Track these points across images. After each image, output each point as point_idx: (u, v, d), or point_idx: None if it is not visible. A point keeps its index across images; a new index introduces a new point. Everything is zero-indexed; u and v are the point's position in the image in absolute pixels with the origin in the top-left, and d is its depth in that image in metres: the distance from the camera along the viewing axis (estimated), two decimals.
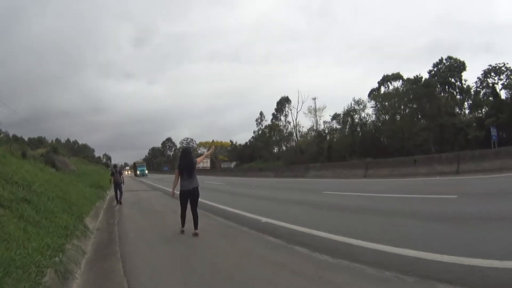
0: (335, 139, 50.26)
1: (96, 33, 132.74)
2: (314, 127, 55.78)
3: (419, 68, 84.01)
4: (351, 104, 48.67)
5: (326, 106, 54.18)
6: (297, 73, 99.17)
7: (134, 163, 75.93)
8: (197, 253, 5.04)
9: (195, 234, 5.97)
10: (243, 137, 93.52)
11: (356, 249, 4.47)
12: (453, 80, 42.26)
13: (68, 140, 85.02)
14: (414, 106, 43.61)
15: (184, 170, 5.95)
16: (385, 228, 5.52)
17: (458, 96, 43.16)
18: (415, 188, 10.72)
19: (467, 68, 41.71)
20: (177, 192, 6.30)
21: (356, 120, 49.06)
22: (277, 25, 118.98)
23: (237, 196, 13.69)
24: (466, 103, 43.05)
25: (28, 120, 73.52)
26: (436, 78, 42.22)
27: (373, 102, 48.00)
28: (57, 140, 75.54)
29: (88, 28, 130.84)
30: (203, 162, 58.11)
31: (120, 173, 14.13)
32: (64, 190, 10.15)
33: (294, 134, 59.06)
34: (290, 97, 62.84)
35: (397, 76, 47.44)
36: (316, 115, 54.28)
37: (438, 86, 42.75)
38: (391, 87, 48.39)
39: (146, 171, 66.28)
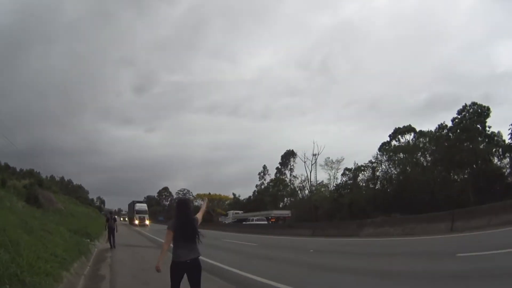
0: (348, 194, 46.50)
1: (97, 76, 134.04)
2: (325, 182, 52.49)
3: (420, 123, 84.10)
4: (377, 155, 46.15)
5: (344, 158, 50.70)
6: (296, 128, 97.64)
7: (133, 202, 51.60)
8: None
9: None
10: (239, 191, 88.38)
11: None
12: (478, 126, 40.36)
13: (62, 178, 79.46)
14: (436, 155, 40.96)
15: (181, 232, 3.89)
16: None
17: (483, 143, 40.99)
18: None
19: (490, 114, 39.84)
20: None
21: (378, 174, 46.01)
22: (276, 81, 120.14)
23: (327, 272, 7.78)
24: (494, 149, 40.60)
25: (24, 152, 68.94)
26: (461, 125, 40.39)
27: (385, 156, 46.15)
28: (52, 177, 70.19)
29: (89, 71, 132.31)
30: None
31: (115, 220, 15.29)
32: (13, 242, 5.45)
33: (307, 188, 54.66)
34: (293, 151, 60.44)
35: (409, 129, 46.11)
36: (332, 168, 50.93)
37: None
38: (402, 140, 46.86)
39: (147, 220, 45.30)
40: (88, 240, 14.41)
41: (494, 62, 71.76)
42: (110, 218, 14.65)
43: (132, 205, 50.97)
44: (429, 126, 46.09)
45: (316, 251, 12.09)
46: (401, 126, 47.06)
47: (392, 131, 47.59)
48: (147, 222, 44.95)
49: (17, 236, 6.11)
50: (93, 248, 13.04)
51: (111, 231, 13.92)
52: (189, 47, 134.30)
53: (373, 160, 46.58)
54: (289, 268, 8.52)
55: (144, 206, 48.69)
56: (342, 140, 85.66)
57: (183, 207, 4.16)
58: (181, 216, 4.02)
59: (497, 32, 76.20)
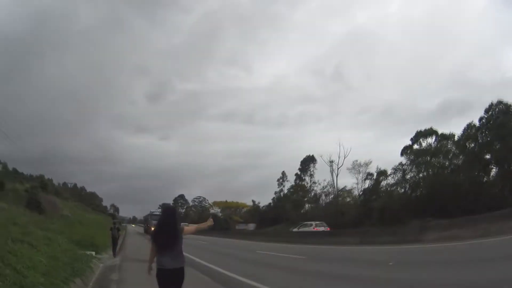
0: (377, 199, 43.66)
1: (111, 84, 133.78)
2: (349, 187, 49.85)
3: (434, 128, 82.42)
4: (409, 157, 44.05)
5: (371, 161, 47.91)
6: (310, 136, 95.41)
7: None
8: None
9: None
10: (256, 199, 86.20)
11: None
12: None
13: (75, 186, 78.05)
14: (464, 157, 39.35)
15: (162, 240, 3.76)
16: None
17: None
18: None
19: None
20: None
21: (408, 177, 43.54)
22: (291, 88, 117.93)
23: None
24: None
25: (37, 159, 67.95)
26: (491, 122, 38.47)
27: (412, 159, 44.18)
28: (64, 184, 69.11)
29: (103, 79, 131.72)
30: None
31: (118, 229, 16.02)
32: None
33: (333, 192, 52.07)
34: (314, 157, 57.97)
35: (430, 132, 44.51)
36: (359, 172, 48.26)
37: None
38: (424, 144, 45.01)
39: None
40: (93, 252, 11.81)
41: (505, 67, 68.46)
42: (113, 227, 15.42)
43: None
44: (444, 131, 44.17)
45: (398, 264, 8.95)
46: (422, 130, 45.50)
47: (414, 134, 45.96)
48: None
49: None
50: (98, 264, 10.37)
51: (114, 240, 14.92)
52: (203, 55, 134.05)
53: (403, 163, 44.16)
54: None
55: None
56: (359, 147, 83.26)
57: (165, 215, 4.11)
58: (162, 225, 3.95)
59: (508, 36, 72.87)
